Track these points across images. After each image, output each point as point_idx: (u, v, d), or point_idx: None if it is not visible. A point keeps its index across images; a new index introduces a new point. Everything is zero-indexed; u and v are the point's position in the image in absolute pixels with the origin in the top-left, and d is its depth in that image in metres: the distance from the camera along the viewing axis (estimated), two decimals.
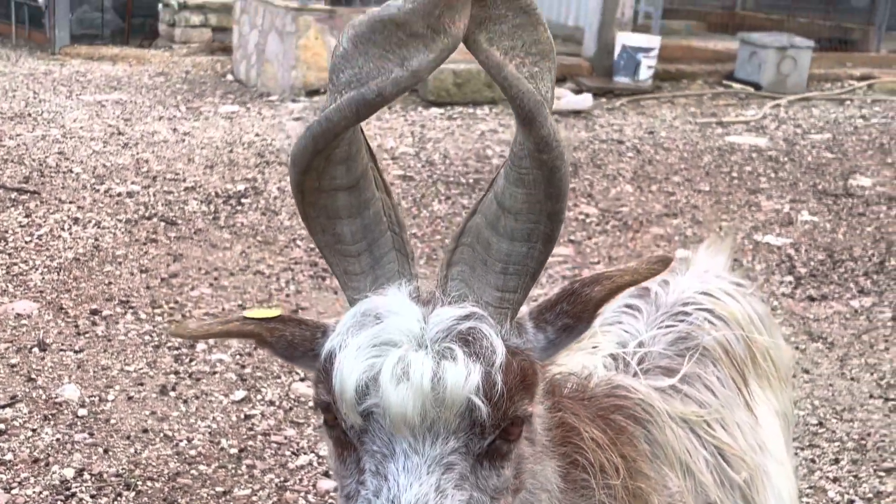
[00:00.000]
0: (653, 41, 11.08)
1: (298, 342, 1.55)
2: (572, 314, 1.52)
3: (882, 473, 3.97)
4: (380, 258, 1.50)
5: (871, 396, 4.56)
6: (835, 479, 3.93)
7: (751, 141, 9.15)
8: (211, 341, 4.78)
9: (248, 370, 4.56)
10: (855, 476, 3.95)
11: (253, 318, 1.58)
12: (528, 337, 1.50)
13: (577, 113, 10.08)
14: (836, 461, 4.05)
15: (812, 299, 5.60)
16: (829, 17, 14.26)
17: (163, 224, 6.37)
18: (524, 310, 1.53)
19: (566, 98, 10.22)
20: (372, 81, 1.29)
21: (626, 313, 2.24)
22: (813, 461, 4.04)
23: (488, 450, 1.40)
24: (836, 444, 4.18)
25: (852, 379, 4.72)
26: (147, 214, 6.54)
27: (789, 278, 5.88)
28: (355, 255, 1.50)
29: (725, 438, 2.03)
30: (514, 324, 1.47)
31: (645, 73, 11.02)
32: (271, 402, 4.31)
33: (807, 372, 4.76)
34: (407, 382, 1.32)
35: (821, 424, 4.31)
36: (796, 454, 3.92)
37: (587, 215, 6.90)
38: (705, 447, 1.99)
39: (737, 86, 11.48)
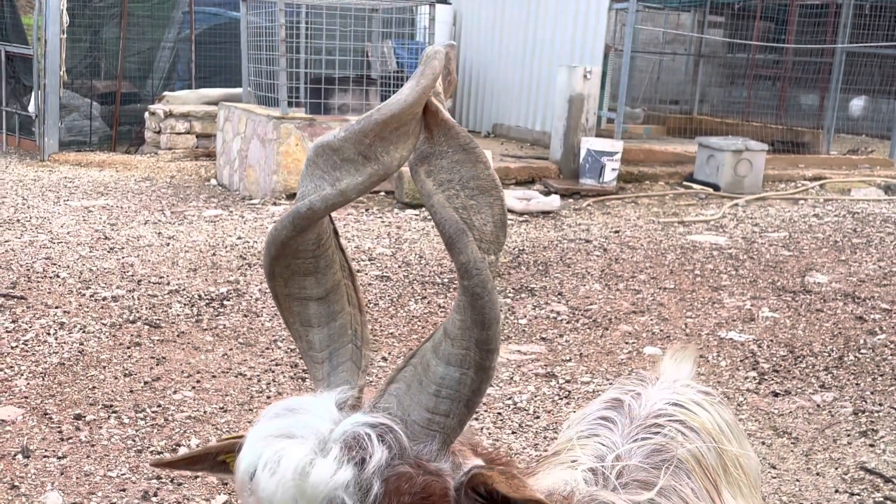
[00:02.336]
0: (616, 146, 11.32)
1: None
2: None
3: None
4: (336, 367, 1.52)
5: (836, 491, 4.54)
6: None
7: (711, 239, 9.28)
8: (193, 443, 4.70)
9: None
10: None
11: (228, 439, 1.59)
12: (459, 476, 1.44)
13: (546, 213, 10.21)
14: None
15: (776, 394, 5.62)
16: (781, 122, 14.67)
17: (147, 327, 6.32)
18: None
19: (535, 199, 10.36)
20: (307, 198, 1.38)
21: (601, 425, 2.24)
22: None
23: None
24: None
25: (818, 474, 4.71)
26: (131, 318, 6.49)
27: (753, 374, 5.90)
28: (320, 363, 1.53)
29: None
30: (444, 449, 1.42)
31: (609, 175, 11.23)
32: None
33: (773, 467, 4.74)
34: (276, 472, 1.33)
35: None
36: None
37: (558, 313, 6.92)
38: None
39: (696, 186, 11.70)
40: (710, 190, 11.52)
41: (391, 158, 1.37)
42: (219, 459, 1.58)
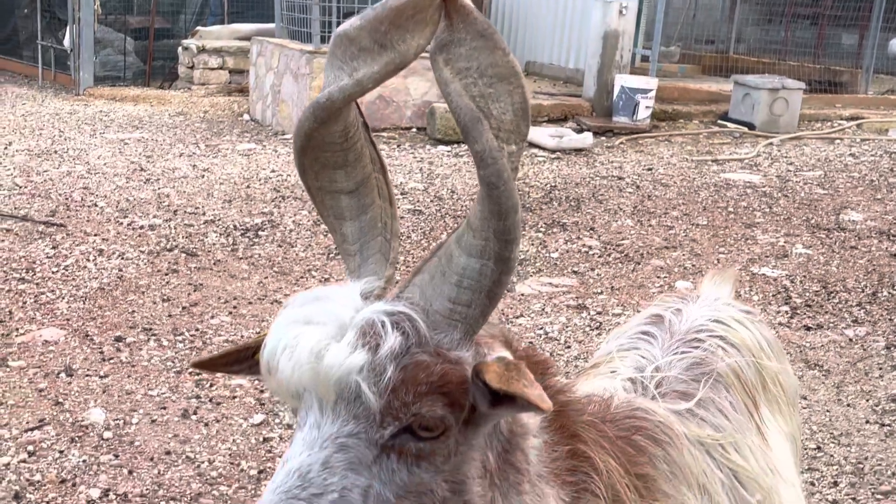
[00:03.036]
0: (650, 83, 11.14)
1: None
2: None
3: (880, 496, 3.93)
4: (366, 259, 1.53)
5: (867, 422, 4.53)
6: (833, 502, 3.89)
7: (745, 178, 9.17)
8: None
9: (266, 395, 4.54)
10: (853, 499, 3.92)
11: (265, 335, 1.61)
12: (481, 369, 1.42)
13: (578, 151, 10.11)
14: (835, 484, 4.02)
15: (808, 328, 5.58)
16: (819, 61, 14.36)
17: (183, 255, 6.38)
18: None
19: (567, 137, 10.26)
20: (326, 89, 1.39)
21: (641, 339, 2.23)
22: (812, 484, 4.01)
23: (393, 443, 1.37)
24: (835, 467, 4.14)
25: (848, 405, 4.69)
26: (168, 246, 6.55)
27: (785, 308, 5.86)
28: (352, 255, 1.54)
29: (739, 461, 2.01)
30: (467, 340, 1.42)
31: (643, 113, 11.08)
32: (289, 426, 4.29)
33: (804, 398, 4.73)
34: (293, 355, 1.36)
35: (819, 449, 4.28)
36: None
37: (590, 247, 6.90)
38: (720, 469, 1.97)
39: (731, 125, 11.53)
40: (745, 129, 11.35)
41: (407, 47, 1.35)
42: (256, 360, 1.59)
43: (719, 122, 11.76)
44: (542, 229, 7.30)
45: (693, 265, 6.57)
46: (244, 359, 1.61)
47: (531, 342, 5.27)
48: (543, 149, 10.12)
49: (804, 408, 4.64)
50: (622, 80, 11.12)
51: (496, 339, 1.50)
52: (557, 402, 1.62)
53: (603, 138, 10.81)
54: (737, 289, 5.95)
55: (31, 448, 3.96)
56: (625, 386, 2.03)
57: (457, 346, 1.41)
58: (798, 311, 5.83)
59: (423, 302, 1.41)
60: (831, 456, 4.23)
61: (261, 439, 4.17)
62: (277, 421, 4.33)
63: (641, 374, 2.08)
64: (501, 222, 1.33)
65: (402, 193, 8.17)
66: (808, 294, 6.12)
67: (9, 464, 3.84)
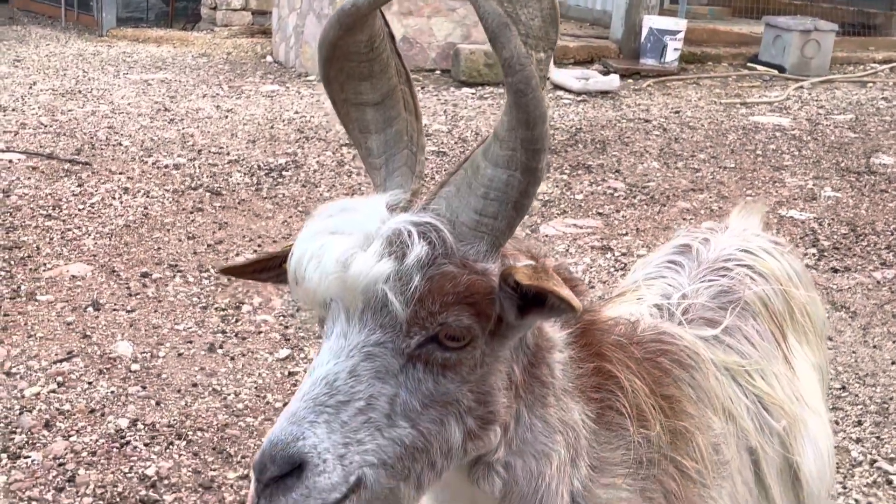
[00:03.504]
0: (679, 24, 10.96)
1: None
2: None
3: None
4: (392, 172, 1.53)
5: (892, 363, 4.51)
6: (858, 440, 3.89)
7: (774, 121, 9.04)
8: (255, 302, 4.81)
9: (290, 330, 4.58)
10: (877, 437, 3.91)
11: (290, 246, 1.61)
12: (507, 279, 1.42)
13: (604, 93, 10.00)
14: (860, 423, 4.01)
15: (835, 271, 5.54)
16: (852, 3, 14.03)
17: (208, 194, 6.40)
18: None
19: (594, 79, 10.14)
20: None
21: (668, 268, 2.22)
22: (836, 423, 4.00)
23: (420, 353, 1.38)
24: (859, 407, 4.13)
25: (875, 346, 4.67)
26: (193, 185, 6.57)
27: (813, 251, 5.81)
28: (378, 169, 1.54)
29: (765, 388, 2.00)
30: (493, 251, 1.41)
31: (671, 56, 10.91)
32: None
33: (830, 339, 4.70)
34: (319, 264, 1.36)
35: (844, 389, 4.27)
36: None
37: (615, 189, 6.85)
38: (746, 395, 1.96)
39: (761, 68, 11.34)
40: (775, 72, 11.16)
41: None
42: (283, 268, 1.59)
43: (749, 64, 11.57)
44: (567, 171, 7.25)
45: (720, 207, 6.51)
46: (271, 267, 1.61)
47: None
48: (569, 91, 10.01)
49: (830, 349, 4.62)
50: (650, 22, 10.94)
51: (522, 252, 1.50)
52: (583, 319, 1.62)
53: (630, 81, 10.68)
54: (765, 223, 5.87)
55: (59, 379, 4.02)
56: (651, 312, 2.02)
57: (483, 258, 1.40)
58: (825, 254, 5.78)
59: (450, 214, 1.40)
60: (856, 396, 4.22)
61: (286, 373, 4.21)
62: (303, 356, 4.37)
63: (668, 301, 2.07)
64: (529, 131, 1.31)
65: (426, 135, 8.12)
66: (835, 237, 6.06)
67: (39, 393, 3.91)
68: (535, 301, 1.39)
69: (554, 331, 1.58)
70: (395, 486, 1.38)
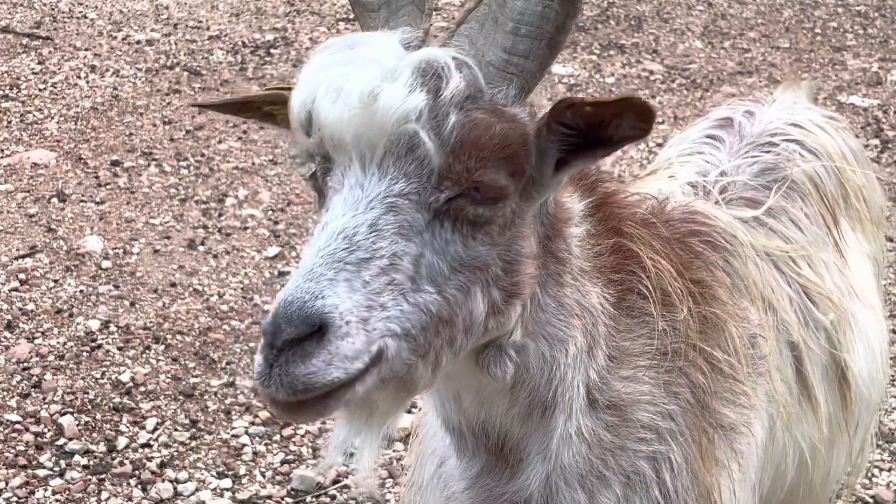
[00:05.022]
0: None
1: None
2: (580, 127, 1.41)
3: None
4: (396, 11, 1.50)
5: None
6: None
7: None
8: (241, 194, 4.82)
9: (281, 226, 4.60)
10: None
11: (273, 88, 1.58)
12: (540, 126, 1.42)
13: None
14: None
15: None
16: None
17: (186, 74, 6.35)
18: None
19: None
20: None
21: (707, 143, 2.21)
22: (893, 332, 4.03)
23: (450, 209, 1.36)
24: None
25: None
26: (169, 64, 6.51)
27: (875, 142, 5.76)
28: (374, 10, 1.51)
29: (812, 277, 2.01)
30: (522, 96, 1.41)
31: None
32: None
33: (891, 240, 4.70)
34: (339, 98, 1.31)
35: None
36: None
37: (651, 72, 6.76)
38: (790, 284, 1.97)
39: None
40: None
41: None
42: (265, 111, 1.57)
43: None
44: (597, 51, 7.15)
45: (770, 93, 6.43)
46: (251, 109, 1.59)
47: None
48: None
49: (889, 250, 4.61)
50: None
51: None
52: (600, 191, 1.62)
53: None
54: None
55: (22, 276, 4.07)
56: (684, 190, 2.02)
57: (512, 103, 1.38)
58: (890, 145, 5.73)
59: (474, 52, 1.37)
60: None
61: (276, 273, 4.25)
62: (294, 255, 4.40)
63: (704, 178, 2.06)
64: None
65: None
66: None
67: None
68: (586, 141, 1.37)
69: (572, 201, 1.58)
70: (413, 364, 1.36)
